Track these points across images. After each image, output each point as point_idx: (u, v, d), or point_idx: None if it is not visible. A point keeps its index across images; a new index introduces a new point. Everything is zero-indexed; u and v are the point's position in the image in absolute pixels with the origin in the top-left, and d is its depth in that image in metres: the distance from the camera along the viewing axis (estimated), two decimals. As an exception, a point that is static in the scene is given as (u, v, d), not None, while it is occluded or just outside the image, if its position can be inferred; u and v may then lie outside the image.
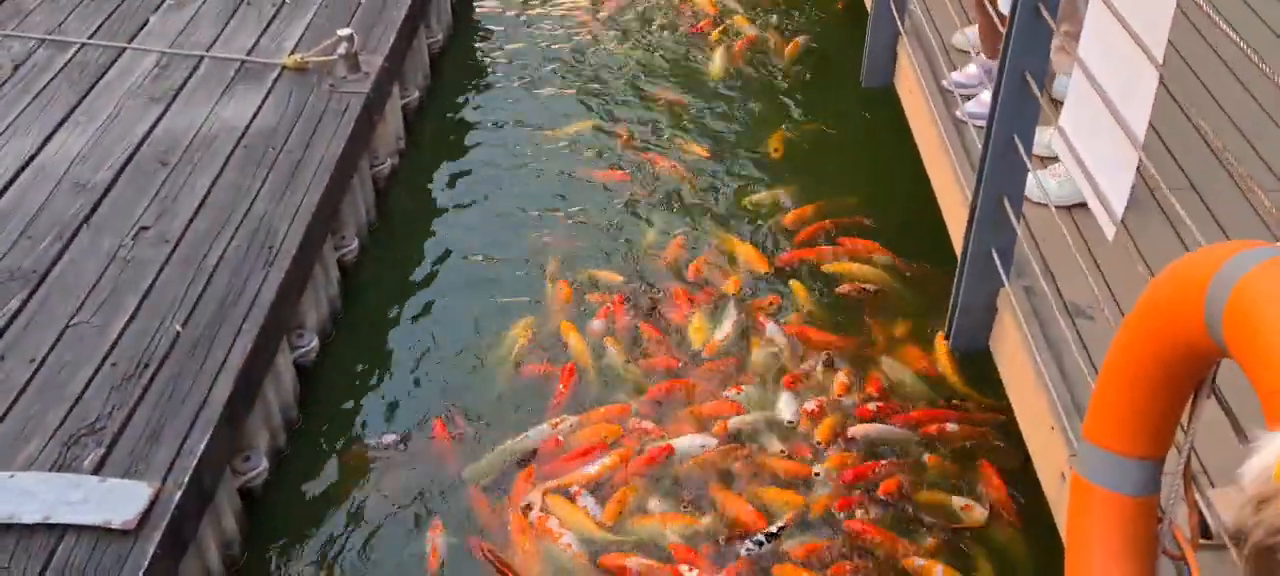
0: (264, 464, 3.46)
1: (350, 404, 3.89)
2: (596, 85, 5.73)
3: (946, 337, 3.63)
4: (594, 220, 4.72)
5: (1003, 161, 3.06)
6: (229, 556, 3.28)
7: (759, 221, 4.73)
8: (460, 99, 5.67)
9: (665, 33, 6.14)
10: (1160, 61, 2.33)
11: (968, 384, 3.82)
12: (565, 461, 3.60)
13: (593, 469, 3.55)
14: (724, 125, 5.40)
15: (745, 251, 4.50)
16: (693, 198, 4.85)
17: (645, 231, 4.65)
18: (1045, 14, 2.83)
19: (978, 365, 3.65)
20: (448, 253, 4.61)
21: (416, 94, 5.37)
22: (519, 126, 5.40)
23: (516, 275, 4.44)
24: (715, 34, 6.04)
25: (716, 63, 5.80)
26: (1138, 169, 2.54)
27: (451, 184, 5.06)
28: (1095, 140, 2.70)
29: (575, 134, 5.31)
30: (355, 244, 4.40)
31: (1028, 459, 3.05)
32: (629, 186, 4.91)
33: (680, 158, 5.08)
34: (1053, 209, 3.10)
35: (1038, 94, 2.91)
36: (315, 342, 3.96)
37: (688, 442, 3.63)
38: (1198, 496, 1.79)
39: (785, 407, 3.77)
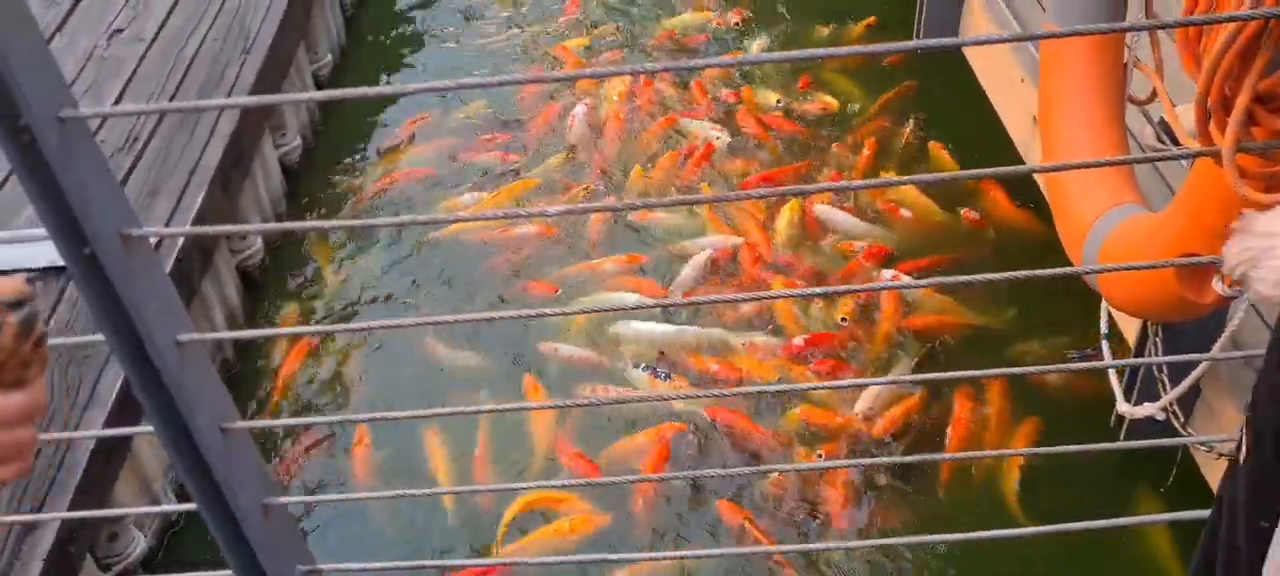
0: (259, 243, 3.52)
1: (330, 204, 3.95)
2: None
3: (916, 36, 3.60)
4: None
5: None
6: (233, 320, 3.36)
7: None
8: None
9: None
10: None
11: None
12: None
13: None
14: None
15: None
16: None
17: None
18: None
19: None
20: (423, 67, 4.66)
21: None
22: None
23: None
24: None
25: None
26: None
27: (421, 6, 5.06)
28: None
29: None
30: (329, 60, 4.45)
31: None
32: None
33: None
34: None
35: None
36: (299, 143, 4.01)
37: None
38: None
39: None
